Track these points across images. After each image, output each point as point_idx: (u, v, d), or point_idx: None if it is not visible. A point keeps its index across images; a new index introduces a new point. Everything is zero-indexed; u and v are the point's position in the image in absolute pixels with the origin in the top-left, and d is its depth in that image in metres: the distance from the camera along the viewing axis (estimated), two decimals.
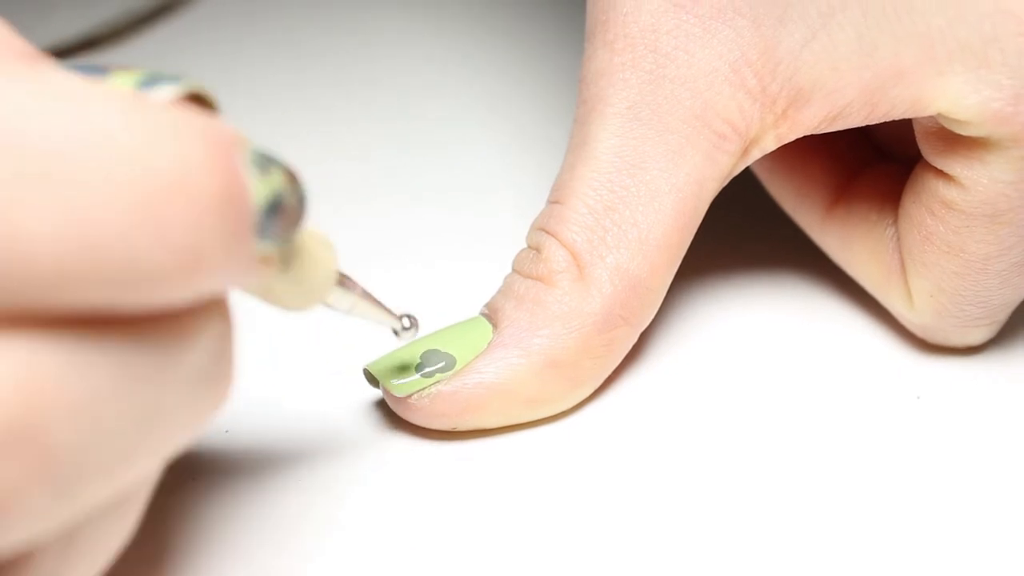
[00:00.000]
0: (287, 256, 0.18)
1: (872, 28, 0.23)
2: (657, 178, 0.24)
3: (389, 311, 0.24)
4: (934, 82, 0.23)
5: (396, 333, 0.24)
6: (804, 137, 0.25)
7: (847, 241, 0.27)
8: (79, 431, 0.16)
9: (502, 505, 0.23)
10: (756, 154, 0.25)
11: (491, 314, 0.25)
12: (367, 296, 0.23)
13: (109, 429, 0.16)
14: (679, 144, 0.24)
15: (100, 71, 0.17)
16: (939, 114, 0.23)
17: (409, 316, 0.24)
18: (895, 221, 0.26)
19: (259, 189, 0.17)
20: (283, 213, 0.17)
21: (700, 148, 0.24)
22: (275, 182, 0.17)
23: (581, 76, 0.26)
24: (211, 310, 0.17)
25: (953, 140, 0.24)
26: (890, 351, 0.27)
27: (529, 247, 0.26)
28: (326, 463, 0.24)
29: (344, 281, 0.22)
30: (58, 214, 0.14)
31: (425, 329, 0.25)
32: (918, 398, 0.26)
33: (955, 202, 0.24)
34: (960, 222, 0.24)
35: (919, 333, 0.27)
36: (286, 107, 0.40)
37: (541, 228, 0.25)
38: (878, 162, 0.28)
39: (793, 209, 0.29)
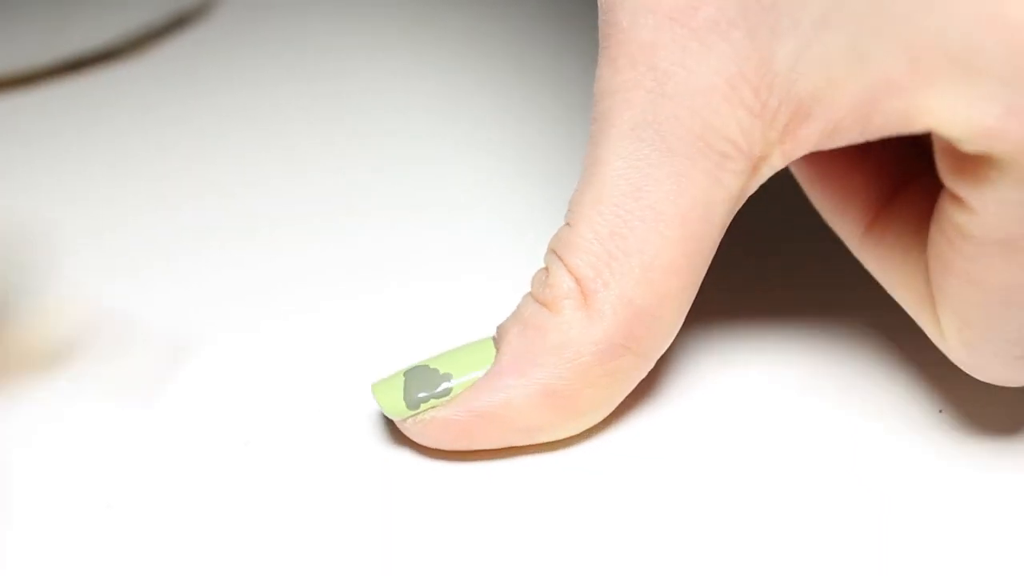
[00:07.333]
0: None
1: (865, 35, 0.21)
2: (661, 201, 0.23)
3: None
4: (924, 94, 0.20)
5: None
6: (845, 147, 0.23)
7: (883, 264, 0.25)
8: None
9: (500, 529, 0.23)
10: (767, 172, 0.24)
11: (498, 337, 0.25)
12: None
13: None
14: (683, 166, 0.23)
15: None
16: (930, 130, 0.21)
17: None
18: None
19: None
20: None
21: (704, 169, 0.23)
22: None
23: (593, 92, 0.25)
24: None
25: (962, 159, 0.21)
26: (911, 364, 0.27)
27: (544, 268, 0.25)
28: (341, 478, 0.24)
29: None
30: None
31: (432, 343, 0.25)
32: (940, 412, 0.26)
33: (966, 227, 0.21)
34: (974, 249, 0.22)
35: (969, 371, 0.24)
36: (301, 119, 0.40)
37: (552, 250, 0.25)
38: (924, 175, 0.25)
39: (832, 224, 0.26)
